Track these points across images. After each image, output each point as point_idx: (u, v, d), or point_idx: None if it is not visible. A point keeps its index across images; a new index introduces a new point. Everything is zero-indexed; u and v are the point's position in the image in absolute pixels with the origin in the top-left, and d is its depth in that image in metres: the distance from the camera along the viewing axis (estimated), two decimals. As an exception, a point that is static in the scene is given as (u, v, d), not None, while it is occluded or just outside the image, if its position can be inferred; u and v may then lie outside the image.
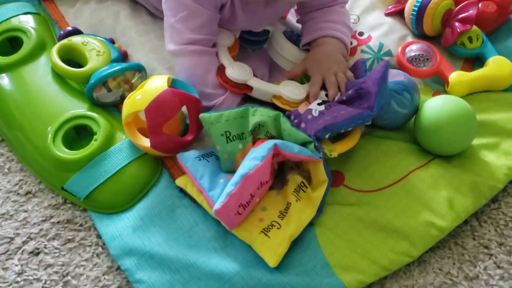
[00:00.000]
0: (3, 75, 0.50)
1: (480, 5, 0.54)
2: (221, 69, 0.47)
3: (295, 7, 0.55)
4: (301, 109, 0.44)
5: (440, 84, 0.53)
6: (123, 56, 0.53)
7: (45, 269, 0.41)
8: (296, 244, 0.40)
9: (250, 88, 0.46)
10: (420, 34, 0.56)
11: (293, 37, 0.53)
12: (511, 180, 0.45)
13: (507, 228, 0.43)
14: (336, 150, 0.43)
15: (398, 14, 0.58)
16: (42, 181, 0.46)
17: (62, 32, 0.53)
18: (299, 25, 0.53)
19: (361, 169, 0.44)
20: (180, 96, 0.43)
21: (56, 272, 0.40)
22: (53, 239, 0.42)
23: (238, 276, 0.38)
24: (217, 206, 0.38)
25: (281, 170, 0.44)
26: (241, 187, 0.38)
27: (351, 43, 0.53)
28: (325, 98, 0.45)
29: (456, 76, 0.51)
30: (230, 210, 0.38)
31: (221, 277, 0.38)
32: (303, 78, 0.51)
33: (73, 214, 0.44)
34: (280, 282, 0.38)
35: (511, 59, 0.52)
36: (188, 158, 0.43)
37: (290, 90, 0.46)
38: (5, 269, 0.40)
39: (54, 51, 0.49)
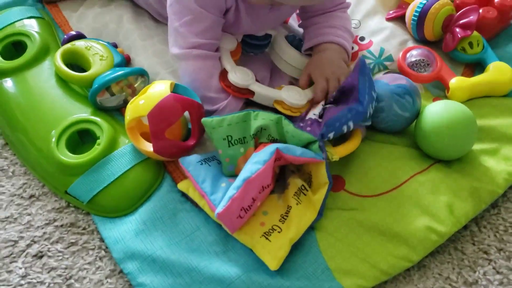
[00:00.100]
0: (7, 79, 0.51)
1: (480, 10, 0.54)
2: (223, 74, 0.47)
3: (297, 12, 0.55)
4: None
5: (440, 89, 0.53)
6: (126, 61, 0.53)
7: (48, 272, 0.41)
8: (297, 248, 0.40)
9: (252, 93, 0.47)
10: (421, 39, 0.56)
11: (295, 41, 0.54)
12: (511, 186, 0.45)
13: (507, 234, 0.43)
14: (337, 153, 0.43)
15: (399, 19, 0.58)
16: (46, 184, 0.46)
17: (65, 36, 0.53)
18: (300, 30, 0.54)
19: (361, 174, 0.45)
20: (182, 102, 0.43)
21: (60, 275, 0.41)
22: (57, 242, 0.43)
23: (239, 280, 0.38)
24: (219, 209, 0.38)
25: (282, 174, 0.44)
26: (243, 191, 0.38)
27: (352, 48, 0.54)
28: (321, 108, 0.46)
29: (456, 81, 0.51)
30: (232, 214, 0.38)
31: (222, 281, 0.38)
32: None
33: (76, 218, 0.44)
34: (281, 287, 0.38)
35: (512, 64, 0.53)
36: (190, 163, 0.43)
37: (292, 95, 0.47)
38: (9, 272, 0.41)
39: (58, 55, 0.50)
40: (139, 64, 0.53)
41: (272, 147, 0.40)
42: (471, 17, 0.53)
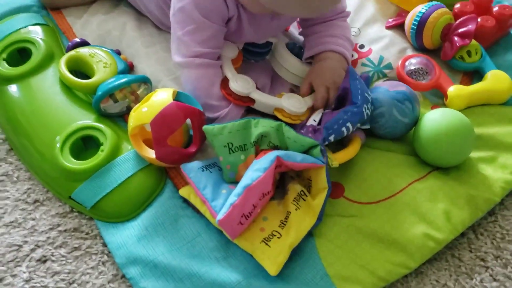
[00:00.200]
0: (13, 85, 0.51)
1: (479, 19, 0.55)
2: (224, 82, 0.48)
3: (298, 20, 0.56)
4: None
5: (439, 97, 0.54)
6: (129, 68, 0.54)
7: (52, 276, 0.42)
8: (296, 254, 0.41)
9: (253, 100, 0.47)
10: (419, 48, 0.57)
11: (295, 49, 0.54)
12: (507, 194, 0.46)
13: (504, 241, 0.44)
14: (337, 159, 0.44)
15: (399, 27, 0.59)
16: (50, 190, 0.47)
17: (70, 43, 0.54)
18: (301, 37, 0.54)
19: (361, 181, 0.45)
20: (184, 110, 0.44)
21: (63, 280, 0.41)
22: (60, 247, 0.43)
23: (240, 286, 0.39)
24: (220, 216, 0.39)
25: (282, 180, 0.45)
26: (243, 198, 0.39)
27: (352, 56, 0.54)
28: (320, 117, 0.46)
29: (454, 90, 0.52)
30: (232, 220, 0.39)
31: (223, 286, 0.39)
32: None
33: (80, 223, 0.45)
34: (280, 292, 0.39)
35: (510, 73, 0.53)
36: (192, 169, 0.44)
37: (292, 103, 0.47)
38: (13, 276, 0.42)
39: (62, 62, 0.51)
40: (142, 71, 0.54)
41: (272, 154, 0.41)
42: (470, 26, 0.54)
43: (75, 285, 0.41)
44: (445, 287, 0.41)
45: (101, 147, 0.46)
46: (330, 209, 0.43)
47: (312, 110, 0.48)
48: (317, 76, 0.49)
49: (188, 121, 0.45)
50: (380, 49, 0.56)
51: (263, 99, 0.47)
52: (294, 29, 0.57)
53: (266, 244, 0.40)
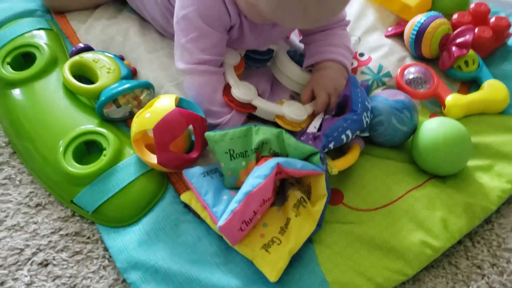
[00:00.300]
0: (16, 89, 0.52)
1: (476, 30, 0.56)
2: (227, 89, 0.49)
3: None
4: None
5: (437, 106, 0.55)
6: (132, 73, 0.54)
7: (53, 280, 0.42)
8: (296, 261, 0.41)
9: (254, 107, 0.48)
10: (418, 56, 0.58)
11: (296, 56, 0.55)
12: (504, 202, 0.47)
13: (500, 249, 0.44)
14: (336, 166, 0.44)
15: (398, 35, 0.59)
16: (52, 193, 0.47)
17: (73, 48, 0.54)
18: (302, 45, 0.55)
19: (360, 188, 0.46)
20: (186, 116, 0.45)
21: (64, 284, 0.42)
22: (62, 251, 0.44)
23: (240, 291, 0.39)
24: (221, 222, 0.39)
25: (282, 187, 0.45)
26: (244, 205, 0.39)
27: (352, 64, 0.55)
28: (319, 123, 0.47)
29: (452, 99, 0.53)
30: (233, 227, 0.39)
31: (223, 292, 0.39)
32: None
33: (81, 227, 0.45)
34: (280, 298, 0.39)
35: (506, 82, 0.54)
36: (194, 175, 0.44)
37: (292, 111, 0.48)
38: (15, 279, 0.42)
39: (66, 67, 0.51)
40: (145, 76, 0.54)
41: (273, 161, 0.42)
42: (467, 36, 0.54)
43: (76, 289, 0.41)
44: (442, 294, 0.42)
45: (104, 152, 0.46)
46: (329, 216, 0.44)
47: (312, 115, 0.49)
48: (319, 83, 0.49)
49: (190, 127, 0.46)
50: (379, 57, 0.57)
51: (264, 106, 0.48)
52: (295, 37, 0.58)
53: (266, 250, 0.40)
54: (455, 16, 0.58)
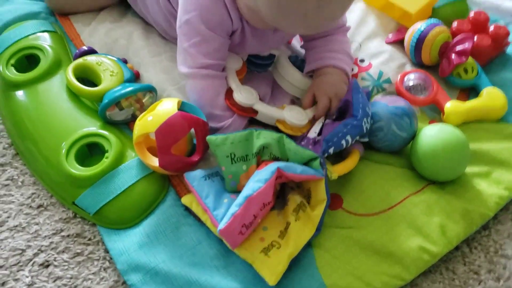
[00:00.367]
0: (20, 91, 0.52)
1: (475, 38, 0.57)
2: (229, 93, 0.49)
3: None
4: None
5: (436, 112, 0.55)
6: (135, 76, 0.55)
7: (54, 281, 0.42)
8: (295, 264, 0.42)
9: (256, 111, 0.49)
10: (418, 63, 0.58)
11: (297, 62, 0.56)
12: (501, 208, 0.47)
13: (497, 255, 0.45)
14: (336, 171, 0.45)
15: (398, 42, 0.60)
16: (54, 195, 0.48)
17: (77, 51, 0.55)
18: (303, 50, 0.56)
19: (359, 193, 0.46)
20: (188, 120, 0.45)
21: (65, 285, 0.42)
22: (63, 252, 0.44)
23: (239, 294, 0.40)
24: (221, 226, 0.40)
25: (282, 191, 0.46)
26: (244, 208, 0.40)
27: (352, 70, 0.56)
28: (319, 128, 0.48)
29: (451, 106, 0.53)
30: (233, 230, 0.40)
31: (222, 295, 0.40)
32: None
33: (83, 228, 0.46)
34: (278, 302, 0.40)
35: (505, 90, 0.55)
36: (195, 178, 0.45)
37: (293, 115, 0.49)
38: (16, 280, 0.42)
39: (69, 70, 0.52)
40: (148, 79, 0.55)
41: (273, 166, 0.42)
42: (466, 44, 0.55)
43: (76, 290, 0.42)
44: (439, 299, 0.42)
45: (106, 154, 0.47)
46: (328, 220, 0.44)
47: (313, 119, 0.49)
48: (320, 88, 0.50)
49: (192, 130, 0.46)
50: (380, 63, 0.57)
51: (265, 111, 0.48)
52: (297, 42, 0.59)
53: (266, 254, 0.41)
54: (454, 24, 0.59)
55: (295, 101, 0.54)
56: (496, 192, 0.47)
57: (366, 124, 0.46)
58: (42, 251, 0.44)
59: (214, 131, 0.48)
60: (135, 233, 0.44)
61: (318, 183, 0.43)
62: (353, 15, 0.63)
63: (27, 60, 0.55)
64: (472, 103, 0.54)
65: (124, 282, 0.42)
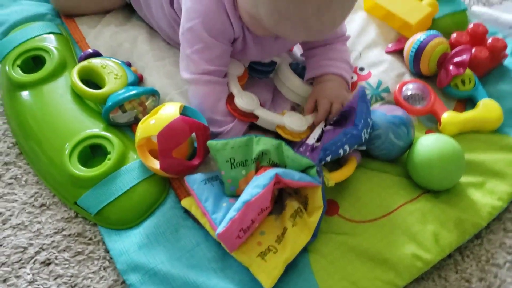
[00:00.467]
0: (25, 91, 0.53)
1: (473, 50, 0.58)
2: (230, 98, 0.50)
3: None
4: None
5: (433, 122, 0.56)
6: (139, 80, 0.56)
7: (55, 279, 0.43)
8: (291, 269, 0.42)
9: (257, 117, 0.49)
10: (417, 73, 0.59)
11: (298, 69, 0.56)
12: (494, 218, 0.48)
13: (488, 264, 0.46)
14: (333, 178, 0.46)
15: (398, 52, 0.61)
16: (56, 194, 0.49)
17: (82, 54, 0.56)
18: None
19: (355, 200, 0.47)
20: (190, 124, 0.46)
21: (65, 283, 0.43)
22: (64, 251, 0.45)
23: (235, 297, 0.41)
24: (219, 230, 0.40)
25: (280, 196, 0.47)
26: (242, 213, 0.41)
27: (352, 78, 0.57)
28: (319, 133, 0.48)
29: (448, 116, 0.54)
30: (231, 234, 0.41)
31: (219, 297, 0.40)
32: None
33: (84, 228, 0.46)
34: (274, 305, 0.40)
35: (501, 101, 0.55)
36: (195, 181, 0.45)
37: (293, 121, 0.49)
38: (17, 277, 0.43)
39: (74, 72, 0.52)
40: (151, 83, 0.56)
41: (271, 171, 0.43)
42: (464, 56, 0.56)
43: (76, 288, 0.43)
44: (431, 306, 0.43)
45: (108, 156, 0.48)
46: (325, 226, 0.45)
47: (312, 125, 0.50)
48: (320, 93, 0.51)
49: (193, 134, 0.47)
50: (379, 73, 0.58)
51: (266, 116, 0.49)
52: (298, 50, 0.60)
53: (262, 258, 0.41)
54: (453, 35, 0.60)
55: (295, 107, 0.55)
56: (490, 202, 0.48)
57: (365, 135, 0.47)
58: (43, 250, 0.45)
59: (215, 135, 0.49)
60: (135, 234, 0.45)
61: (315, 190, 0.44)
62: (354, 24, 0.64)
63: (33, 61, 0.56)
64: (468, 114, 0.54)
65: (123, 282, 0.43)
